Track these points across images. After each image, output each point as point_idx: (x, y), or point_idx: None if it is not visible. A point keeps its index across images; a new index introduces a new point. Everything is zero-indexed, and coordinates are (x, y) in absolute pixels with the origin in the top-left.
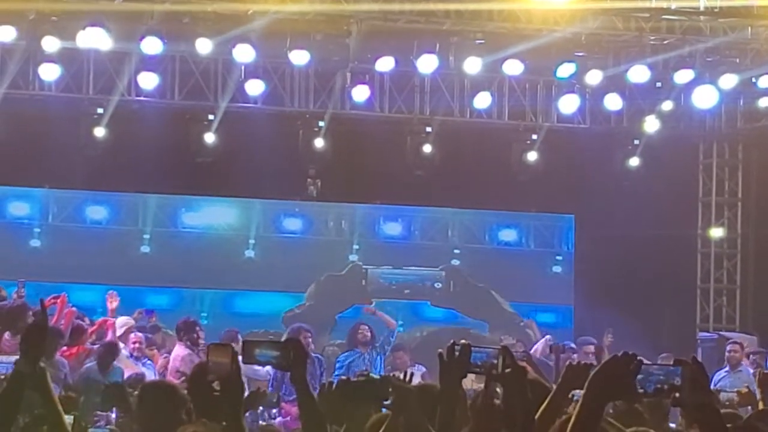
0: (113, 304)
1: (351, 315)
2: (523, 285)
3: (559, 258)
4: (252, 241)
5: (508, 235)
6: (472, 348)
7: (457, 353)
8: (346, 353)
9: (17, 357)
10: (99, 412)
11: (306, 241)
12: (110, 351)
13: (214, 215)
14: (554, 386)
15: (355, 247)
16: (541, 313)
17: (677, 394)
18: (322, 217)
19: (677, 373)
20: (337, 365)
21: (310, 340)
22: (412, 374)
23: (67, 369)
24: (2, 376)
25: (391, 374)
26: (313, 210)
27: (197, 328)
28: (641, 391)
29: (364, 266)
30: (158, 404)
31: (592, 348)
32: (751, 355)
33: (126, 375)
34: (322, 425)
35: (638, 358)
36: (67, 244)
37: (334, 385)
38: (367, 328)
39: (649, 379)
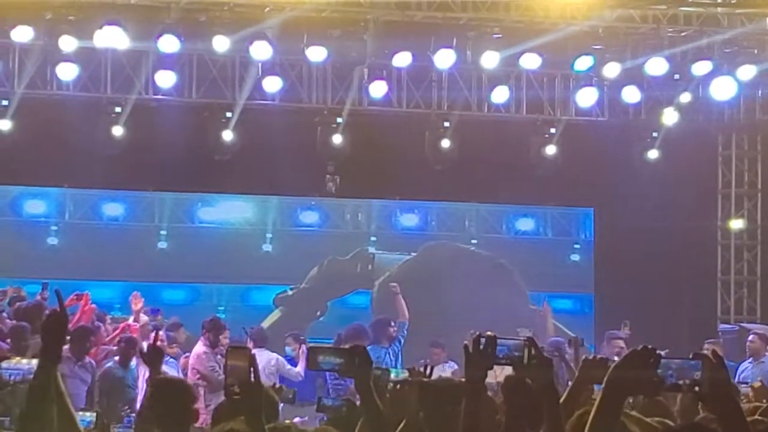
0: (138, 305)
1: (349, 300)
2: (542, 274)
3: (577, 246)
4: (269, 235)
5: (526, 224)
6: (497, 340)
7: (482, 346)
8: (370, 347)
9: (26, 361)
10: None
11: (323, 234)
12: (131, 347)
13: (230, 210)
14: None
15: (373, 239)
16: (559, 299)
17: (697, 388)
18: (338, 210)
19: (697, 368)
20: None
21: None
22: (432, 367)
23: (95, 370)
24: (11, 382)
25: (411, 367)
26: (330, 203)
27: (222, 331)
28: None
29: (373, 251)
30: (170, 400)
31: (621, 342)
32: None
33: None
34: None
35: (658, 351)
36: (85, 242)
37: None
38: (395, 323)
39: (668, 373)
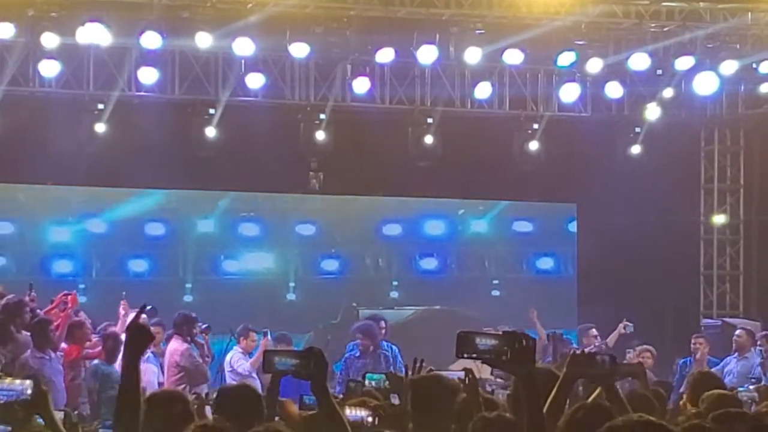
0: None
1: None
2: (566, 312)
3: None
4: (292, 284)
5: (546, 263)
6: (480, 336)
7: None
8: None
9: (18, 382)
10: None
11: (345, 280)
12: (116, 342)
13: (253, 261)
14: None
15: (395, 283)
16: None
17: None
18: (358, 255)
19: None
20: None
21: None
22: (422, 360)
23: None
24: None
25: (388, 371)
26: (349, 249)
27: (194, 324)
28: None
29: (357, 307)
30: (167, 414)
31: (594, 331)
32: (758, 340)
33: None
34: None
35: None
36: (112, 298)
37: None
38: (385, 323)
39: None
